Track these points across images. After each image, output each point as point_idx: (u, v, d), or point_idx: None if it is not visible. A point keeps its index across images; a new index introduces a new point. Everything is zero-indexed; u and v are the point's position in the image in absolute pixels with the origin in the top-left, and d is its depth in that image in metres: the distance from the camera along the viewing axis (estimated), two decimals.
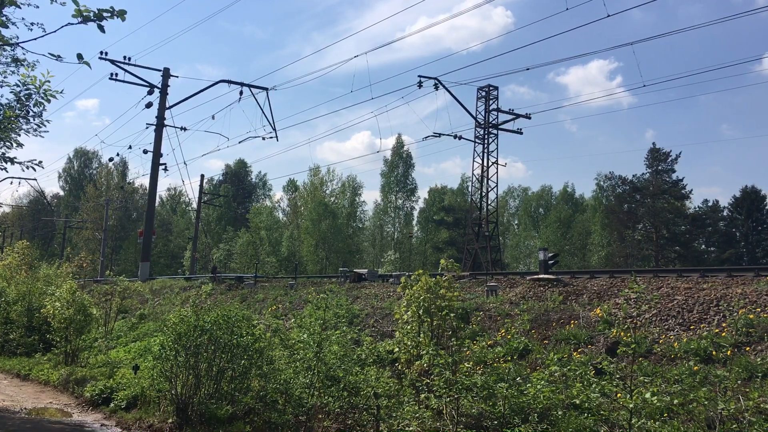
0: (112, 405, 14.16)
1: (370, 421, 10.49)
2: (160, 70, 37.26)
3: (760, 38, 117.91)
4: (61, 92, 11.49)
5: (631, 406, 7.99)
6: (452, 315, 12.91)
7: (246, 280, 26.32)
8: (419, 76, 39.88)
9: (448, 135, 46.02)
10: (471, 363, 10.97)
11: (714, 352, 10.14)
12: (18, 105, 12.10)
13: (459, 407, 9.71)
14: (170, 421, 11.99)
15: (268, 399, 11.55)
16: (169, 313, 19.03)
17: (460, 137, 46.41)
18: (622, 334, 11.07)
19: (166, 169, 37.35)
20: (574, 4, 23.63)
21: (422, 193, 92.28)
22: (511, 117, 46.31)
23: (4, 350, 22.11)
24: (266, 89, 36.94)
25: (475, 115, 46.57)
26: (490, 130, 46.42)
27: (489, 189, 47.05)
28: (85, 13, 7.56)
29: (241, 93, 36.37)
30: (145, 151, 37.17)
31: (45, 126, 12.65)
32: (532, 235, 78.61)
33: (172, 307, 24.01)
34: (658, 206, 61.35)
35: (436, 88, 40.59)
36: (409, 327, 13.01)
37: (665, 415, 8.66)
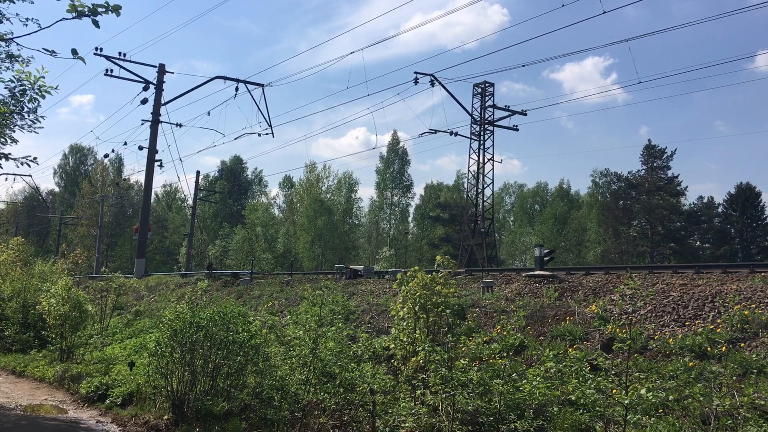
0: (107, 401, 14.15)
1: (365, 418, 10.50)
2: (155, 66, 37.14)
3: (753, 36, 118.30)
4: (55, 88, 11.46)
5: (626, 402, 8.00)
6: (448, 311, 12.92)
7: (242, 277, 26.28)
8: (415, 73, 40.05)
9: (444, 131, 46.17)
10: (467, 359, 10.98)
11: (709, 348, 10.17)
12: (12, 101, 12.04)
13: (455, 403, 9.72)
14: (166, 417, 11.99)
15: (264, 395, 11.54)
16: (164, 310, 18.99)
17: (456, 134, 46.51)
18: (617, 330, 11.12)
19: (161, 166, 37.14)
20: (569, 0, 23.59)
21: (418, 190, 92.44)
22: (506, 113, 46.37)
23: None
24: (262, 85, 36.88)
25: (471, 111, 46.61)
26: (486, 126, 46.43)
27: (485, 185, 47.09)
28: (79, 8, 7.53)
29: (236, 89, 36.30)
30: (141, 148, 37.04)
31: (40, 122, 12.61)
32: (528, 232, 78.74)
33: (167, 304, 23.97)
34: (653, 203, 61.46)
35: (432, 84, 40.63)
36: (404, 323, 13.02)
37: (660, 410, 8.69)
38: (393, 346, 13.17)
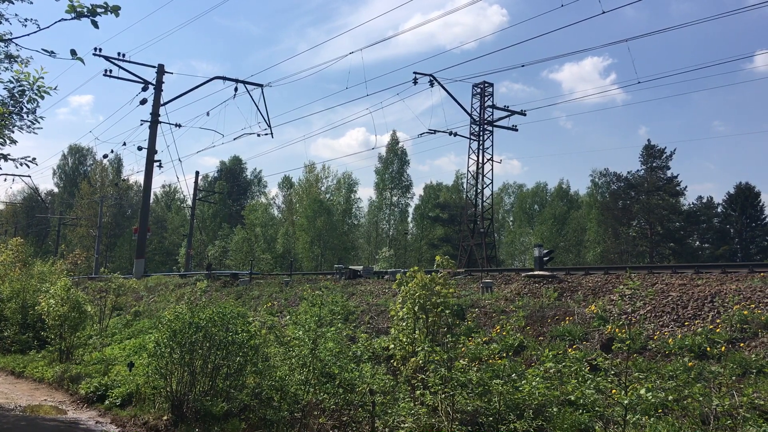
0: (107, 402, 14.14)
1: (365, 418, 10.50)
2: (154, 67, 37.11)
3: (752, 36, 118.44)
4: (54, 89, 11.43)
5: (626, 402, 8.00)
6: (447, 312, 12.91)
7: (241, 277, 26.27)
8: (414, 73, 40.05)
9: (443, 132, 46.11)
10: (466, 359, 10.99)
11: (708, 348, 10.17)
12: (11, 101, 12.03)
13: (454, 404, 9.71)
14: (165, 418, 11.99)
15: (264, 396, 11.54)
16: (164, 311, 18.99)
17: (456, 134, 46.47)
18: (617, 330, 11.10)
19: (160, 166, 37.12)
20: (569, 0, 23.60)
21: (417, 190, 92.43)
22: (506, 114, 46.32)
23: None
24: (261, 86, 36.84)
25: (470, 111, 46.57)
26: (485, 126, 46.40)
27: (484, 185, 47.06)
28: (78, 9, 7.51)
29: (235, 90, 36.24)
30: (140, 148, 37.02)
31: (39, 123, 12.60)
32: (527, 232, 78.70)
33: (167, 304, 23.95)
34: (652, 203, 61.45)
35: (432, 84, 40.61)
36: (404, 324, 13.01)
37: (660, 411, 8.69)
38: (392, 346, 13.16)
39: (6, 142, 12.74)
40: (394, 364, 12.79)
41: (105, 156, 46.80)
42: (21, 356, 20.50)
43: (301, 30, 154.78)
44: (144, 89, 36.61)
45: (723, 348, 10.08)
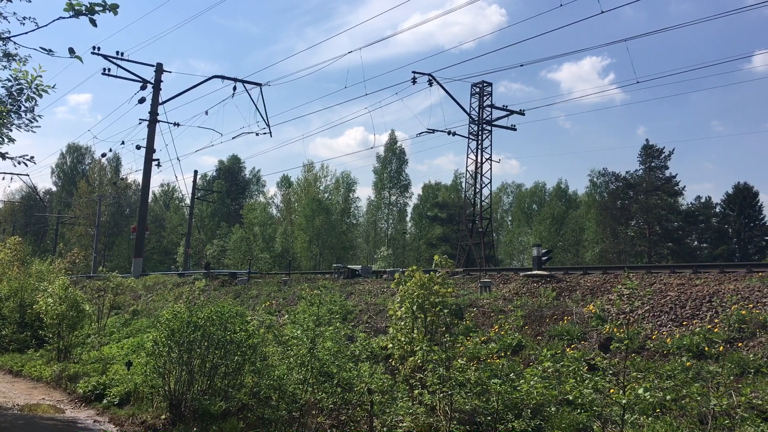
0: (105, 401, 14.13)
1: (363, 417, 10.50)
2: (153, 66, 37.10)
3: (750, 36, 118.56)
4: (53, 87, 11.39)
5: (624, 401, 8.01)
6: (446, 311, 12.91)
7: (239, 276, 26.26)
8: (413, 72, 40.00)
9: (441, 131, 46.07)
10: (464, 359, 10.98)
11: (706, 348, 10.18)
12: (9, 100, 12.01)
13: (452, 403, 9.71)
14: (163, 417, 11.98)
15: (262, 395, 11.54)
16: (162, 310, 18.96)
17: (454, 133, 46.42)
18: (615, 329, 11.12)
19: (159, 165, 37.14)
20: (567, 0, 23.61)
21: (416, 190, 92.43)
22: (504, 113, 46.26)
23: None
24: (260, 85, 36.85)
25: (468, 111, 46.53)
26: (484, 126, 46.38)
27: (483, 185, 47.07)
28: (77, 7, 7.49)
29: (234, 89, 36.26)
30: (138, 147, 37.04)
31: (37, 121, 12.57)
32: (526, 232, 78.76)
33: (165, 303, 23.93)
34: (651, 202, 61.51)
35: (430, 84, 40.59)
36: (402, 323, 13.01)
37: (658, 410, 8.69)
38: (391, 345, 13.16)
39: (4, 141, 12.70)
40: (393, 363, 12.79)
41: (103, 155, 46.97)
42: (19, 355, 20.48)
43: (299, 29, 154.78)
44: (143, 88, 36.58)
45: (721, 348, 10.09)
